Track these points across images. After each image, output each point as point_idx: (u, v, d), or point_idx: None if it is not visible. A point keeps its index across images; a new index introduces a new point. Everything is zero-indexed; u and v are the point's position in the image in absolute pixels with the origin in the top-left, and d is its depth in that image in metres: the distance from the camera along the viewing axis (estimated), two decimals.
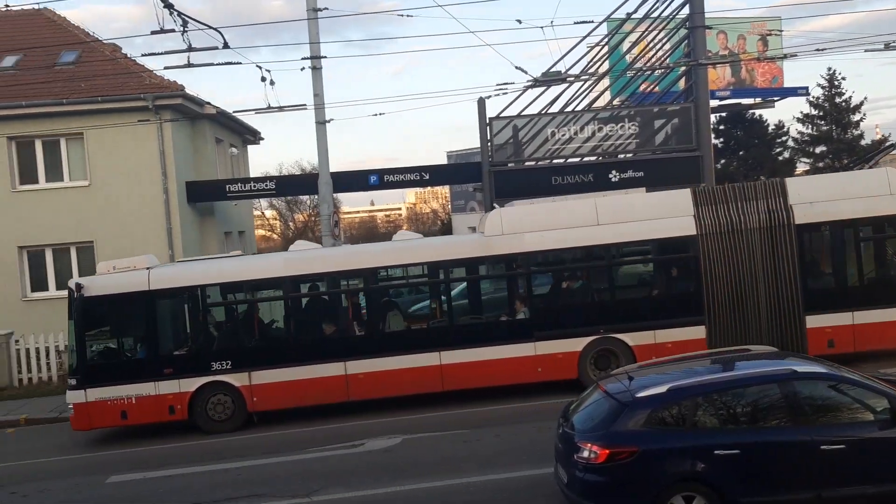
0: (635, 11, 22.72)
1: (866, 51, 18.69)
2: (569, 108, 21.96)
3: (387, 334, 14.39)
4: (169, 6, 13.88)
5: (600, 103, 24.22)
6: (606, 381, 8.76)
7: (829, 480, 7.51)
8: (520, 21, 17.93)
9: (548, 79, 20.18)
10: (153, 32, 14.34)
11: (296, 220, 58.61)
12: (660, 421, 7.72)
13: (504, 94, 19.73)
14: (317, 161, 20.01)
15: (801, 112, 39.77)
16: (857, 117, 39.23)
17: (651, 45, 23.05)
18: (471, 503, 9.36)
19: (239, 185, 22.73)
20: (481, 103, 21.10)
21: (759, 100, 34.64)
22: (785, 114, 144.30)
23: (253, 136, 29.10)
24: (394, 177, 22.55)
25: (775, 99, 34.59)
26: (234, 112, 22.09)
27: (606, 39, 23.89)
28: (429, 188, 62.51)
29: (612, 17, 23.40)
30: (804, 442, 7.55)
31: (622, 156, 22.16)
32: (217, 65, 20.49)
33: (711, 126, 26.36)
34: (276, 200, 54.61)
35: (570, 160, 21.80)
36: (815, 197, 14.06)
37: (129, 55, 23.14)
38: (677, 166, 21.41)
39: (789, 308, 13.86)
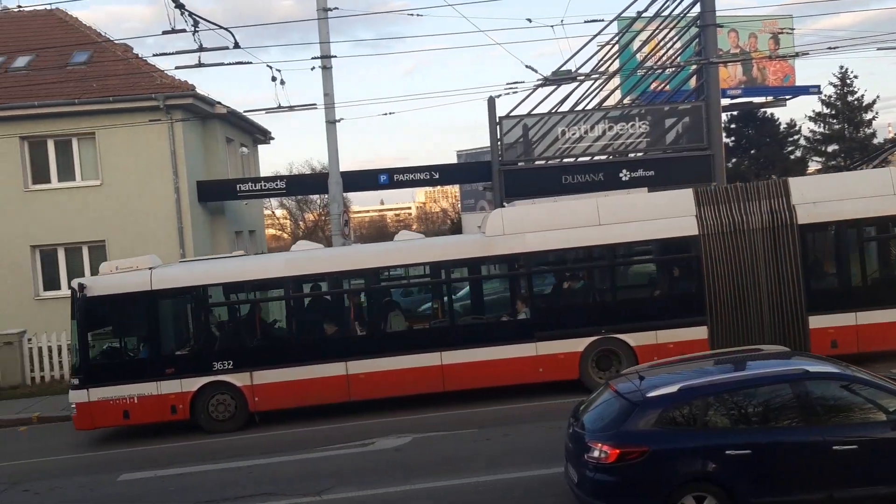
0: (646, 10, 22.66)
1: (879, 49, 18.67)
2: (579, 107, 21.93)
3: (388, 334, 14.41)
4: (180, 6, 13.95)
5: (610, 102, 24.16)
6: (617, 380, 8.74)
7: (841, 481, 7.48)
8: (530, 20, 18.10)
9: (558, 78, 20.18)
10: (164, 32, 14.43)
11: (306, 220, 58.79)
12: (671, 421, 7.70)
13: (514, 93, 19.76)
14: (327, 160, 20.10)
15: (813, 111, 39.73)
16: (869, 116, 39.11)
17: (662, 43, 22.98)
18: (482, 502, 9.37)
19: (249, 184, 22.81)
20: (491, 102, 21.10)
21: (770, 98, 34.52)
22: (797, 112, 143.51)
23: (263, 136, 29.19)
24: (403, 176, 22.58)
25: (787, 97, 34.45)
26: (245, 112, 22.19)
27: (617, 38, 23.83)
28: (438, 187, 62.45)
29: (623, 15, 23.36)
30: (816, 442, 7.52)
31: (633, 155, 22.11)
32: (228, 64, 20.68)
33: (722, 125, 26.29)
34: (286, 200, 54.79)
35: (580, 159, 21.77)
36: (819, 197, 13.98)
37: (140, 55, 23.28)
38: (688, 165, 21.34)
39: (792, 308, 13.79)
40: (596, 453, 7.65)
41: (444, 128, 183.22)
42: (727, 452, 7.49)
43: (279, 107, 18.41)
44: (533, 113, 21.68)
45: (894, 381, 8.13)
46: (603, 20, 20.27)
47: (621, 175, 21.13)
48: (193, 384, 13.86)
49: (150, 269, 14.11)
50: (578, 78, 20.78)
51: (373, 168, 23.86)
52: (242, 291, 14.63)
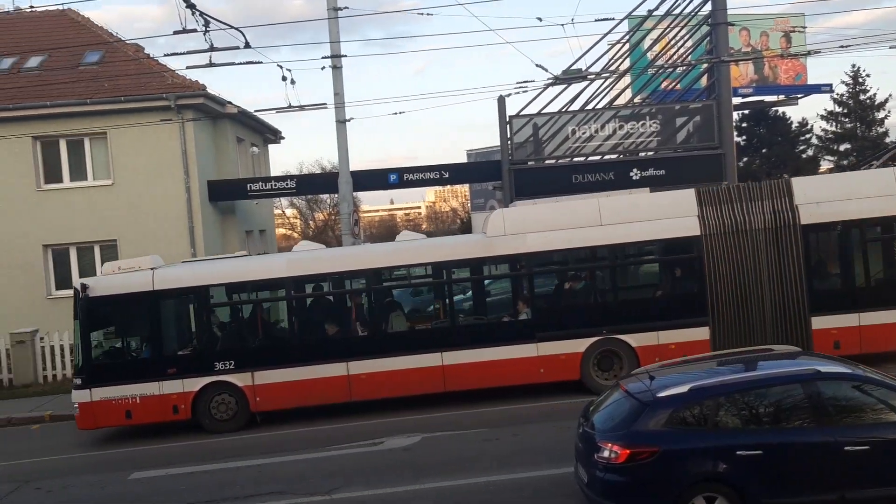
0: (657, 8, 22.62)
1: (891, 47, 18.64)
2: (589, 106, 21.90)
3: (389, 335, 14.40)
4: (191, 6, 14.01)
5: (621, 101, 24.10)
6: (627, 380, 8.71)
7: (853, 482, 7.44)
8: (540, 19, 18.02)
9: (568, 76, 20.16)
10: (175, 32, 14.50)
11: (316, 219, 58.88)
12: (681, 421, 7.67)
13: (524, 92, 19.86)
14: (337, 160, 20.12)
15: (825, 109, 39.52)
16: (881, 114, 38.92)
17: (673, 42, 22.91)
18: (492, 502, 9.36)
19: (260, 183, 22.90)
20: (501, 101, 21.09)
21: (782, 97, 34.31)
22: (808, 111, 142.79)
23: (274, 135, 29.29)
24: (413, 175, 22.61)
25: (799, 96, 34.24)
26: (255, 111, 22.25)
27: (627, 37, 23.79)
28: (448, 187, 62.43)
29: (634, 14, 23.32)
30: (828, 443, 7.48)
31: (643, 154, 22.05)
32: (238, 64, 20.83)
33: (734, 124, 26.16)
34: (296, 199, 54.91)
35: (590, 158, 21.73)
36: (822, 197, 13.88)
37: (151, 55, 23.44)
38: (699, 164, 21.27)
39: (794, 309, 13.70)
40: (606, 453, 7.64)
41: (455, 127, 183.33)
42: (738, 453, 7.46)
43: (289, 106, 18.46)
44: (543, 112, 21.67)
45: None
46: (614, 19, 20.34)
47: (632, 174, 21.07)
48: (195, 384, 13.90)
49: (152, 269, 14.14)
50: (589, 77, 20.75)
51: (383, 167, 23.85)
52: (244, 292, 14.63)
